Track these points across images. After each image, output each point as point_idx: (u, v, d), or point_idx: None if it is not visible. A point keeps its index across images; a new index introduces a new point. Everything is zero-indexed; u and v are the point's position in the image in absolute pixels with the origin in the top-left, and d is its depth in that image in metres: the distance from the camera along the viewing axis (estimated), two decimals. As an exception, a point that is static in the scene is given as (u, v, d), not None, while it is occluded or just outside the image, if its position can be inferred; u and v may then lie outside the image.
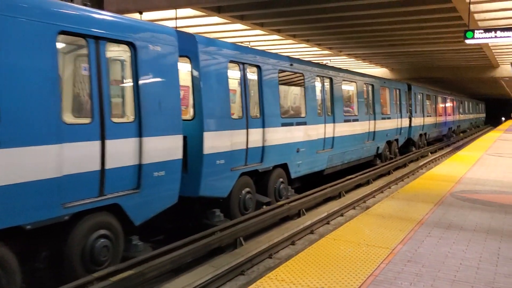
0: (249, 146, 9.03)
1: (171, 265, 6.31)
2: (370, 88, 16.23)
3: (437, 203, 8.21)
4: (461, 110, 38.72)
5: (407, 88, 21.02)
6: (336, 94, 13.14)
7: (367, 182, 14.16)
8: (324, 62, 21.38)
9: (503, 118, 75.56)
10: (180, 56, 7.33)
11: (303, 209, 10.03)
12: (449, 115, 31.95)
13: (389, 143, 18.21)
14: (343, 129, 13.37)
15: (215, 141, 8.09)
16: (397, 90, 19.41)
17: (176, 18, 15.74)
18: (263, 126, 9.47)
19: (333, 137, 12.75)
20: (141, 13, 14.15)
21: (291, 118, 11.13)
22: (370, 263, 5.06)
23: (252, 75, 9.63)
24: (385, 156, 17.76)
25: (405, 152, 20.92)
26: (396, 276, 4.70)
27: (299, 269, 4.83)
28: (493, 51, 24.50)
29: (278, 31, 19.78)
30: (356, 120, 14.62)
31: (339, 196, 12.02)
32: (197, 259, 6.85)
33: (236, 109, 9.39)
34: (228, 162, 8.42)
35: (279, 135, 10.09)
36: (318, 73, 12.31)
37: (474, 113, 50.98)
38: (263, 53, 10.42)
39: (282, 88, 11.22)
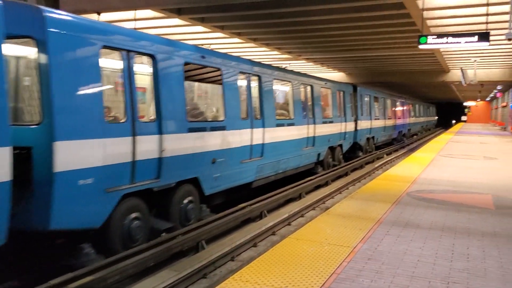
0: (138, 158, 6.98)
1: (133, 270, 6.21)
2: (308, 89, 14.75)
3: (394, 203, 8.47)
4: (412, 113, 38.23)
5: (352, 89, 20.02)
6: (266, 95, 11.41)
7: (326, 183, 14.41)
8: (284, 66, 21.64)
9: (453, 121, 78.77)
10: (21, 36, 5.88)
11: (265, 211, 10.10)
12: (399, 118, 31.15)
13: (332, 149, 16.83)
14: (275, 134, 11.74)
15: (76, 154, 6.00)
16: (341, 92, 18.16)
17: (135, 20, 15.52)
18: (160, 132, 7.49)
19: (263, 144, 11.10)
20: (99, 14, 13.85)
21: (204, 122, 9.29)
22: (333, 261, 5.17)
23: (142, 66, 7.75)
24: (328, 163, 16.34)
25: (352, 158, 19.89)
26: (358, 274, 4.82)
27: (263, 270, 4.87)
28: (444, 56, 25.53)
29: (239, 34, 19.86)
30: (292, 124, 12.98)
31: (299, 197, 12.17)
32: (159, 263, 6.77)
33: (116, 110, 7.51)
34: (100, 181, 6.32)
35: (185, 143, 8.18)
36: (242, 69, 10.45)
37: (425, 116, 50.61)
38: (159, 39, 8.28)
39: (191, 85, 10.03)
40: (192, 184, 8.56)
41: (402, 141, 31.29)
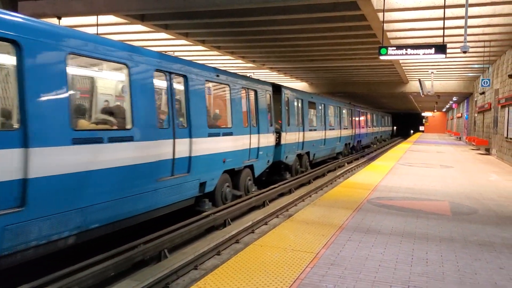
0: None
1: (92, 280, 6.04)
2: (176, 81, 9.13)
3: (356, 209, 8.60)
4: (362, 123, 33.97)
5: (271, 90, 14.53)
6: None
7: (289, 191, 14.52)
8: (248, 75, 21.77)
9: (411, 131, 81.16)
10: None
11: (229, 219, 10.06)
12: (345, 128, 26.98)
13: (233, 173, 11.56)
14: (104, 157, 6.81)
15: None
16: (250, 92, 12.66)
17: (97, 25, 15.23)
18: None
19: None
20: (59, 18, 13.52)
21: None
22: (296, 267, 5.19)
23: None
24: (225, 195, 11.04)
25: (276, 181, 15.13)
26: (321, 279, 4.85)
27: (228, 277, 4.83)
28: (403, 68, 26.34)
29: (203, 42, 19.84)
30: (130, 139, 7.43)
31: (263, 205, 12.20)
32: (120, 273, 6.60)
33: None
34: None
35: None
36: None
37: (379, 126, 46.31)
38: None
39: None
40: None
41: (350, 155, 28.11)
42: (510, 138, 18.26)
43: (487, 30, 16.33)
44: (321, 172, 19.00)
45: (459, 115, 49.58)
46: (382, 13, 12.98)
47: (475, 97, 32.00)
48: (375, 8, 13.03)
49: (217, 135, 10.51)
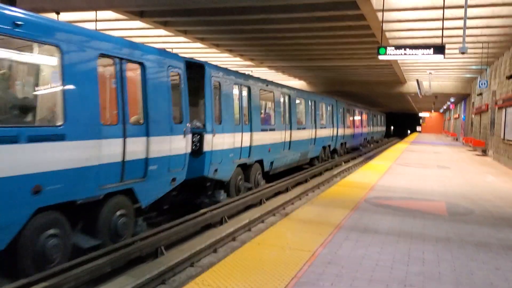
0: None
1: (89, 276, 6.03)
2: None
3: (353, 209, 8.62)
4: (349, 121, 28.56)
5: (184, 67, 9.36)
6: None
7: (286, 190, 14.52)
8: (247, 73, 21.77)
9: (408, 131, 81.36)
10: None
11: (225, 217, 10.06)
12: (323, 128, 21.63)
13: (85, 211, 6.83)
14: None
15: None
16: (133, 66, 7.86)
17: (96, 21, 15.20)
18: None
19: None
20: (58, 13, 13.47)
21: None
22: (294, 265, 5.20)
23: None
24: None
25: (198, 206, 10.79)
26: (318, 278, 4.87)
27: (226, 274, 4.84)
28: (401, 68, 26.37)
29: (202, 40, 19.83)
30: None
31: (260, 203, 12.20)
32: (117, 269, 6.60)
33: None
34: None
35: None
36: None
37: (371, 125, 40.57)
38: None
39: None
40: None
41: (326, 161, 22.66)
42: (507, 140, 18.32)
43: (485, 31, 16.37)
44: (318, 171, 19.00)
45: (456, 116, 49.72)
46: (381, 13, 12.99)
47: (473, 98, 32.08)
48: (375, 8, 13.05)
49: (36, 139, 5.76)
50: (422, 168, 16.64)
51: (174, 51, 20.23)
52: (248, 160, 12.84)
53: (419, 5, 13.08)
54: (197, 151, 10.39)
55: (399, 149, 27.82)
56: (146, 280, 6.07)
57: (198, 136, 10.40)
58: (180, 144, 8.92)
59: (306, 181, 16.74)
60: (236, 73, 12.80)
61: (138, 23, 16.72)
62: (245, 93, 13.05)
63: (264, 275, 4.86)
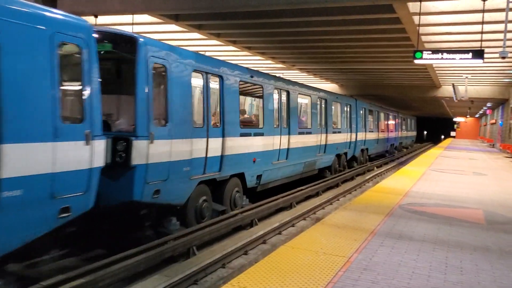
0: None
1: (124, 274, 6.15)
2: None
3: (387, 215, 8.49)
4: (370, 125, 25.10)
5: (91, 36, 6.08)
6: None
7: (317, 194, 14.42)
8: (278, 75, 21.76)
9: (442, 136, 79.58)
10: None
11: (256, 219, 10.08)
12: (336, 131, 18.12)
13: None
14: None
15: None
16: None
17: (132, 24, 15.50)
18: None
19: None
20: (96, 16, 13.82)
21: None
22: (329, 271, 5.16)
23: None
24: None
25: None
26: (354, 284, 4.81)
27: (261, 277, 4.84)
28: (437, 72, 25.82)
29: (234, 43, 19.94)
30: None
31: (290, 206, 12.17)
32: (150, 268, 6.71)
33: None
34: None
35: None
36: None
37: (398, 130, 35.99)
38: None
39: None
40: None
41: (343, 171, 19.08)
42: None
43: (527, 35, 15.84)
44: (349, 175, 18.79)
45: (493, 121, 48.33)
46: (418, 16, 12.76)
47: (511, 103, 31.13)
48: (411, 11, 12.83)
49: None
50: (458, 175, 16.23)
51: (207, 53, 20.46)
52: (218, 174, 9.56)
53: (458, 8, 12.78)
54: (123, 164, 7.07)
55: (433, 155, 27.23)
56: (178, 280, 6.15)
57: (123, 142, 7.04)
58: (76, 155, 5.75)
59: (337, 185, 16.58)
60: (199, 56, 9.50)
61: (173, 27, 16.96)
62: (215, 85, 9.72)
63: (300, 279, 4.84)
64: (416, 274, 5.25)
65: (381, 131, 28.17)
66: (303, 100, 15.59)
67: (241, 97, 11.67)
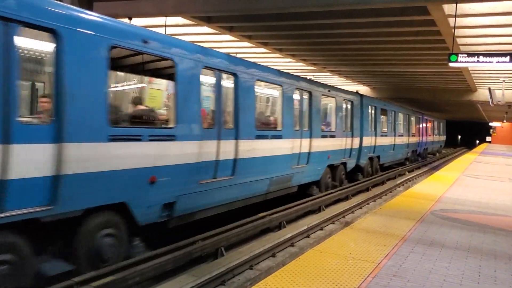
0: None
1: (153, 272, 6.23)
2: None
3: (419, 221, 8.32)
4: (382, 128, 20.86)
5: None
6: None
7: (346, 198, 14.25)
8: (308, 77, 21.67)
9: (477, 141, 77.48)
10: None
11: (284, 222, 10.04)
12: (327, 135, 13.88)
13: None
14: None
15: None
16: None
17: (165, 26, 15.73)
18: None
19: None
20: (130, 18, 14.09)
21: None
22: (357, 276, 5.09)
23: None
24: None
25: None
26: (383, 290, 4.74)
27: (288, 280, 4.82)
28: (472, 75, 25.17)
29: (265, 44, 19.96)
30: None
31: (319, 210, 12.06)
32: (178, 267, 6.77)
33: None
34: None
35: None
36: None
37: (422, 134, 30.89)
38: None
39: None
40: None
41: (338, 187, 14.71)
42: None
43: None
44: (380, 179, 18.50)
45: (531, 127, 46.68)
46: (454, 18, 12.46)
47: (550, 108, 30.03)
48: (446, 13, 12.54)
49: None
50: (493, 181, 15.76)
51: (238, 55, 20.58)
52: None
53: (496, 10, 12.42)
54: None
55: (467, 160, 26.55)
56: (205, 280, 6.17)
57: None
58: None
59: (367, 189, 16.34)
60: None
61: (205, 29, 17.12)
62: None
63: (327, 284, 4.80)
64: (447, 282, 5.12)
65: (399, 135, 23.66)
66: (268, 92, 12.19)
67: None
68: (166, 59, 7.44)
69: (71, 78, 5.59)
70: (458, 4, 11.64)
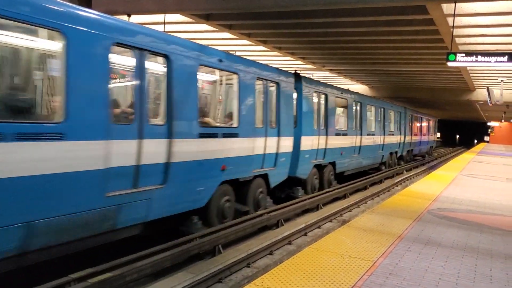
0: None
1: (151, 269, 6.25)
2: None
3: (416, 219, 8.36)
4: (340, 123, 16.11)
5: None
6: None
7: (344, 196, 14.28)
8: (307, 76, 21.65)
9: (475, 141, 77.60)
10: None
11: (282, 220, 10.07)
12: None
13: None
14: None
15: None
16: None
17: (164, 23, 15.71)
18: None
19: None
20: (129, 15, 14.08)
21: None
22: (353, 274, 5.12)
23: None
24: None
25: None
26: (379, 288, 4.77)
27: (285, 278, 4.85)
28: (471, 75, 25.19)
29: (264, 43, 19.95)
30: None
31: (316, 208, 12.10)
32: (176, 265, 6.79)
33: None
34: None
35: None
36: None
37: (410, 134, 27.10)
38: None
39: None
40: None
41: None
42: None
43: None
44: (378, 178, 18.54)
45: (529, 127, 46.75)
46: (452, 18, 12.48)
47: (549, 108, 30.07)
48: (445, 12, 12.55)
49: None
50: (491, 180, 15.81)
51: (237, 53, 20.57)
52: None
53: (494, 10, 12.43)
54: None
55: (465, 159, 26.60)
56: (203, 277, 6.20)
57: None
58: None
59: (365, 188, 16.39)
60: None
61: (204, 26, 17.11)
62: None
63: (324, 282, 4.82)
64: (443, 281, 5.16)
65: (369, 134, 18.68)
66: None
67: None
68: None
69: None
70: (457, 4, 11.65)
